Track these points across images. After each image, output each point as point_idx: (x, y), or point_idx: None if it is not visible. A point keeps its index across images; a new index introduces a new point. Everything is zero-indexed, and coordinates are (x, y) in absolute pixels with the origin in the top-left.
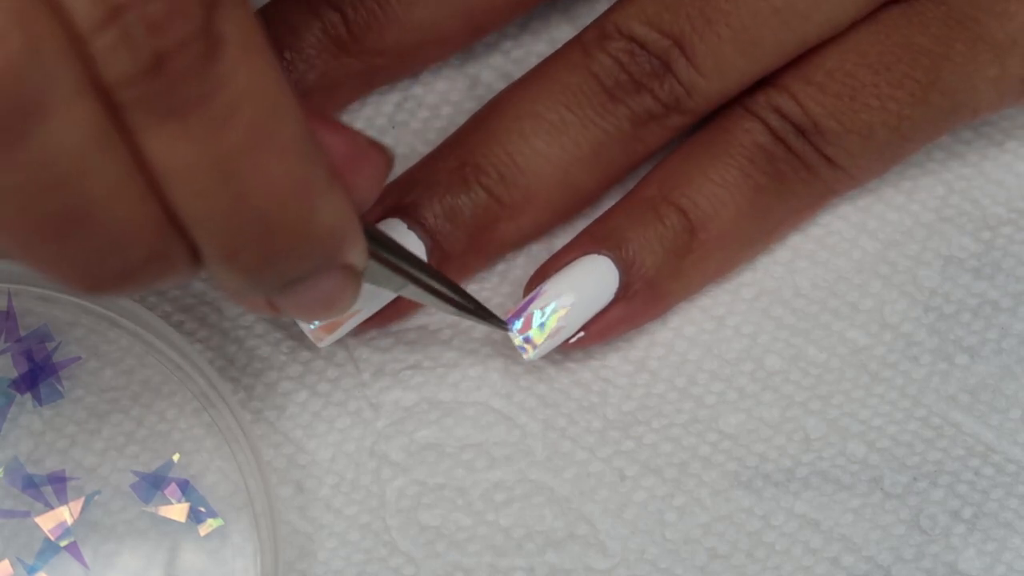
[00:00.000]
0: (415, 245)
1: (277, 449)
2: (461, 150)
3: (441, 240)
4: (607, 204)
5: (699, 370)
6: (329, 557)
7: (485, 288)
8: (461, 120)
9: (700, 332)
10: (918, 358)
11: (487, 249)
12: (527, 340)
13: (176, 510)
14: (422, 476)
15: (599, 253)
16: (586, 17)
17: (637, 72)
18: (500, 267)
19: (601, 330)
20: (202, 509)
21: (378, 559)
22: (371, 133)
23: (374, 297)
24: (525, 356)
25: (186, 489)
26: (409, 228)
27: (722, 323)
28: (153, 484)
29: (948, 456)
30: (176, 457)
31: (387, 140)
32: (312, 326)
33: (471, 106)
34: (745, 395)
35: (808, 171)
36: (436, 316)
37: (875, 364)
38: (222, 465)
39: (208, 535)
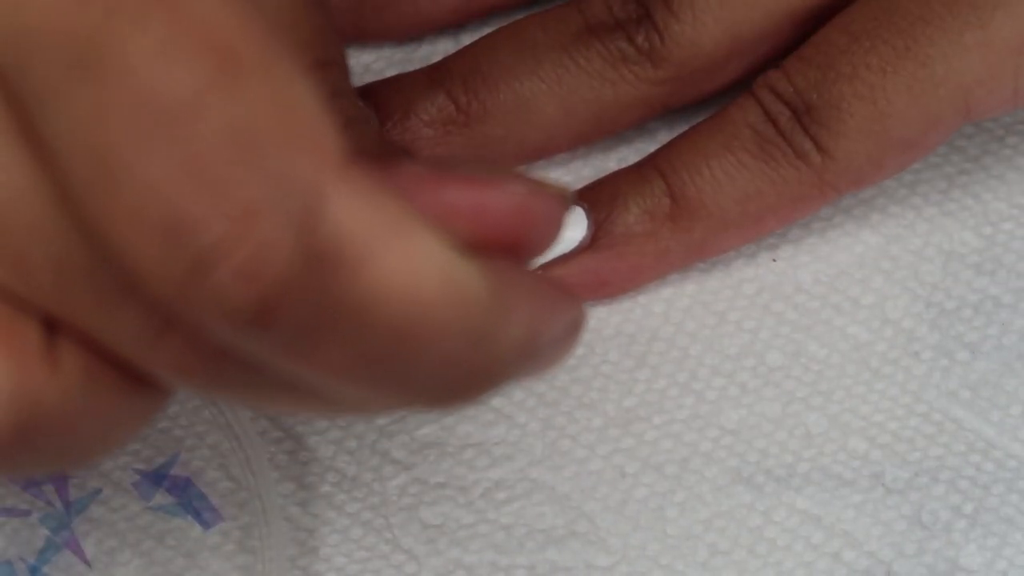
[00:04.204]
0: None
1: (278, 445)
2: (443, 59)
3: (387, 121)
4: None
5: (700, 366)
6: (331, 554)
7: None
8: None
9: (701, 327)
10: (919, 354)
11: (432, 148)
12: None
13: (177, 507)
14: (423, 474)
15: (576, 204)
16: None
17: (622, 16)
18: None
19: (562, 274)
20: (203, 506)
21: (380, 556)
22: None
23: None
24: None
25: (187, 486)
26: (367, 106)
27: (723, 319)
28: (155, 482)
29: (949, 452)
30: (177, 455)
31: None
32: None
33: None
34: (746, 391)
35: (797, 155)
36: None
37: (876, 360)
38: (223, 462)
39: (209, 532)
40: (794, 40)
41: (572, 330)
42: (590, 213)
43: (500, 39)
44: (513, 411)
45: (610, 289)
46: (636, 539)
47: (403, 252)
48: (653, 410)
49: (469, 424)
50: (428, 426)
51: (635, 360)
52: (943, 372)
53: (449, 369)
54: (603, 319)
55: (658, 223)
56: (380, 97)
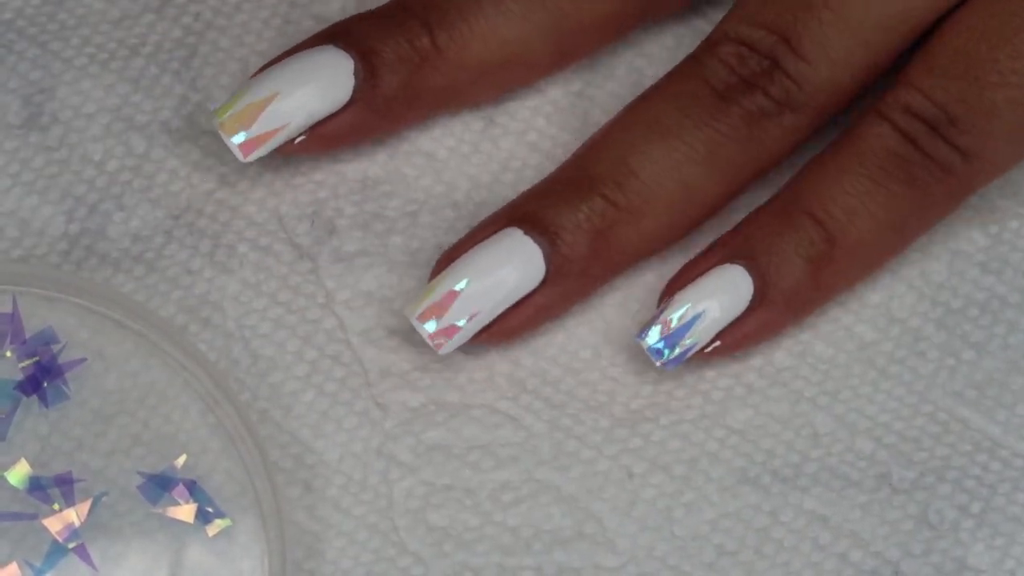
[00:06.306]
0: (533, 255)
1: (284, 449)
2: (578, 162)
3: (560, 244)
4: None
5: (706, 366)
6: (337, 557)
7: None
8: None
9: None
10: (925, 353)
11: (608, 255)
12: (660, 348)
13: (183, 511)
14: (430, 477)
15: (732, 263)
16: None
17: (747, 73)
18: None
19: (738, 340)
20: (209, 510)
21: (386, 559)
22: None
23: (492, 298)
24: (658, 363)
25: (193, 490)
26: (525, 234)
27: None
28: (160, 485)
29: (955, 451)
30: (183, 458)
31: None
32: (430, 329)
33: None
34: (753, 391)
35: (943, 171)
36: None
37: (882, 359)
38: (229, 466)
39: (216, 536)
40: (910, 47)
41: None
42: (751, 271)
43: (638, 131)
44: (519, 413)
45: (777, 335)
46: (644, 539)
47: None
48: (660, 411)
49: (475, 426)
50: (434, 429)
51: (643, 362)
52: (949, 371)
53: None
54: (611, 323)
55: (820, 268)
56: (535, 216)
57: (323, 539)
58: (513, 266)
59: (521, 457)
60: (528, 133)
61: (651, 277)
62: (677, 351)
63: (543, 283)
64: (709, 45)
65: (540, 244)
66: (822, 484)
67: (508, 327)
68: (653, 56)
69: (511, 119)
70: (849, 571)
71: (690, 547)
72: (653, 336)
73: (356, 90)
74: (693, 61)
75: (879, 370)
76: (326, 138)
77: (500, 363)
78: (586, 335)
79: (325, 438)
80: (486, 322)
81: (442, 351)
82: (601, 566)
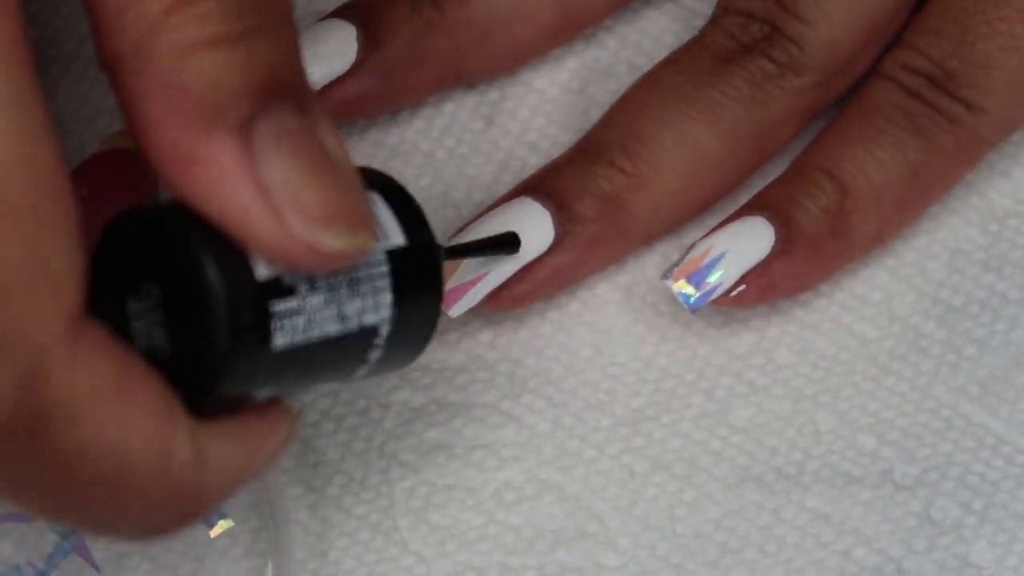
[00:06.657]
0: (541, 217)
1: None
2: (588, 135)
3: (568, 208)
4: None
5: (708, 364)
6: (340, 557)
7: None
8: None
9: (708, 327)
10: (927, 350)
11: (618, 220)
12: (685, 291)
13: None
14: (432, 476)
15: (753, 214)
16: None
17: (748, 39)
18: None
19: (763, 285)
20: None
21: (389, 559)
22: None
23: (500, 262)
24: (688, 304)
25: None
26: (534, 199)
27: (731, 317)
28: None
29: (958, 448)
30: None
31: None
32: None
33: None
34: (755, 389)
35: (950, 121)
36: (440, 317)
37: (884, 357)
38: None
39: (218, 536)
40: (912, 11)
41: (284, 445)
42: (772, 219)
43: (642, 98)
44: (522, 413)
45: (804, 288)
46: (646, 539)
47: (112, 418)
48: (662, 410)
49: (477, 426)
50: (436, 429)
51: (643, 361)
52: (951, 368)
53: (154, 513)
54: (613, 321)
55: (837, 218)
56: (545, 184)
57: (325, 539)
58: (521, 229)
59: (523, 457)
60: (527, 133)
61: (653, 274)
62: (703, 290)
63: (553, 247)
64: (711, 20)
65: (549, 209)
66: (825, 481)
67: (518, 292)
68: (653, 55)
69: (511, 119)
70: (852, 568)
71: (693, 546)
72: (677, 274)
73: (359, 54)
74: (697, 37)
75: (881, 367)
76: (333, 104)
77: (502, 363)
78: (587, 334)
79: (326, 437)
80: (495, 284)
81: (452, 313)
82: (603, 565)
